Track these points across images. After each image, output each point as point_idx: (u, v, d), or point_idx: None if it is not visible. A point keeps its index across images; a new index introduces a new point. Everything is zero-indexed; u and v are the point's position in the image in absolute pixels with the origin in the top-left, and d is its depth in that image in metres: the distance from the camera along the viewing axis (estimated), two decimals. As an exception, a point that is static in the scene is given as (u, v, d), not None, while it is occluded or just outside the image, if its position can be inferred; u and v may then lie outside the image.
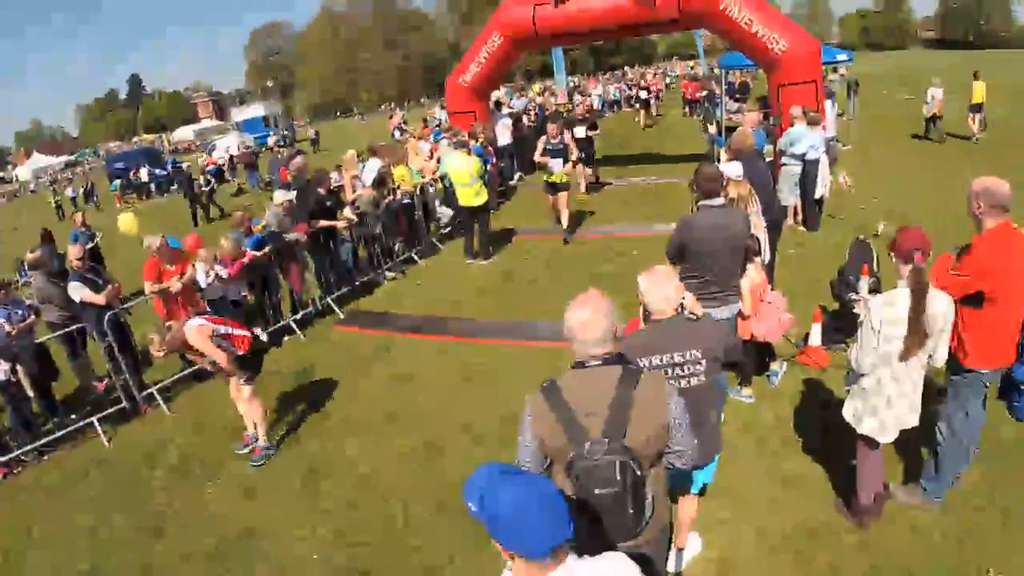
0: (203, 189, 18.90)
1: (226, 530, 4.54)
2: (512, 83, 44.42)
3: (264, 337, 5.97)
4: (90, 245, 9.38)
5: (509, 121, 14.57)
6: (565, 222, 9.91)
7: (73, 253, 6.59)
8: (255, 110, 52.81)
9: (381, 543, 4.19)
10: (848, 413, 3.54)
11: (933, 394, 3.88)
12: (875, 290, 5.32)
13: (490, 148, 12.31)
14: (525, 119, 16.65)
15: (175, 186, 26.03)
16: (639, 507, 2.11)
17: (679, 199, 9.69)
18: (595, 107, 27.57)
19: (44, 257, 7.37)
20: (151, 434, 6.14)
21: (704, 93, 22.52)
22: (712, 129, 13.94)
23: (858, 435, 3.53)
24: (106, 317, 6.27)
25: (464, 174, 9.14)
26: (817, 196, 8.95)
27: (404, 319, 7.90)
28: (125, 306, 6.92)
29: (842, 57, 15.09)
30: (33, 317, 6.44)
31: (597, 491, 2.04)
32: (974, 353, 3.40)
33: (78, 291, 6.37)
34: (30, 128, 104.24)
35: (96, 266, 7.23)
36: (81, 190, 29.10)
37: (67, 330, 6.55)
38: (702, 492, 3.48)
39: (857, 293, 5.49)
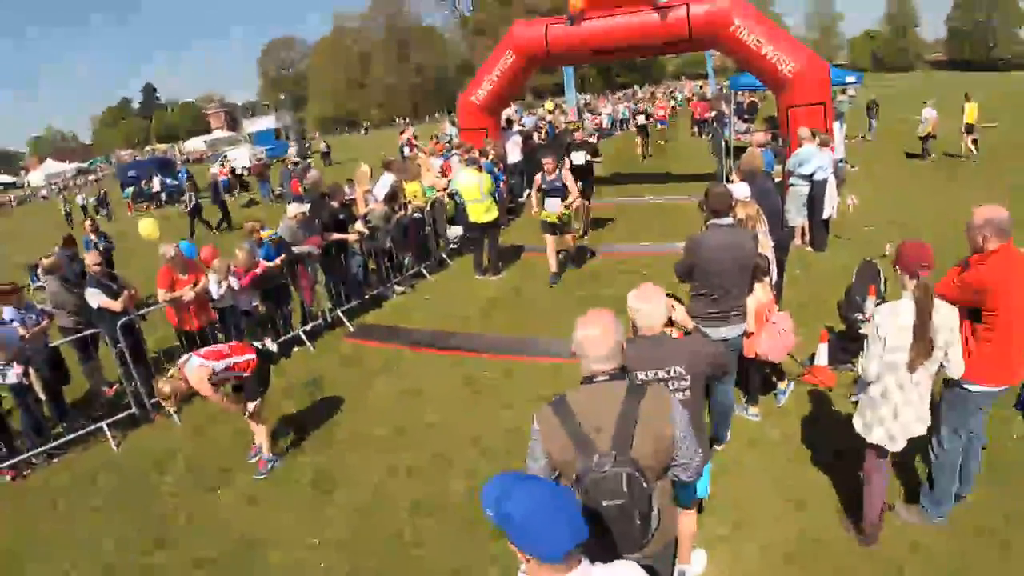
0: (195, 202, 18.22)
1: (233, 538, 4.58)
2: (522, 100, 44.74)
3: (273, 347, 6.04)
4: (103, 250, 9.48)
5: (520, 138, 14.67)
6: (553, 265, 9.04)
7: (91, 259, 6.69)
8: (267, 122, 53.37)
9: (388, 554, 4.22)
10: (858, 424, 3.58)
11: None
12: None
13: (500, 165, 12.41)
14: (535, 136, 16.78)
15: (185, 197, 26.30)
16: (645, 519, 2.15)
17: (688, 218, 9.74)
18: (604, 125, 27.87)
19: (58, 262, 7.48)
20: (160, 440, 6.19)
21: (713, 113, 22.71)
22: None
23: (868, 445, 3.56)
24: (119, 323, 6.36)
25: (475, 190, 9.23)
26: (825, 217, 9.00)
27: (413, 333, 7.95)
28: (140, 312, 7.01)
29: (851, 79, 15.19)
30: (47, 321, 6.52)
31: (604, 503, 2.08)
32: (972, 368, 3.43)
33: (96, 297, 6.47)
34: (43, 134, 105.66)
35: (112, 272, 7.33)
36: (92, 198, 29.39)
37: (80, 335, 6.63)
38: (700, 508, 3.50)
39: (864, 313, 5.52)
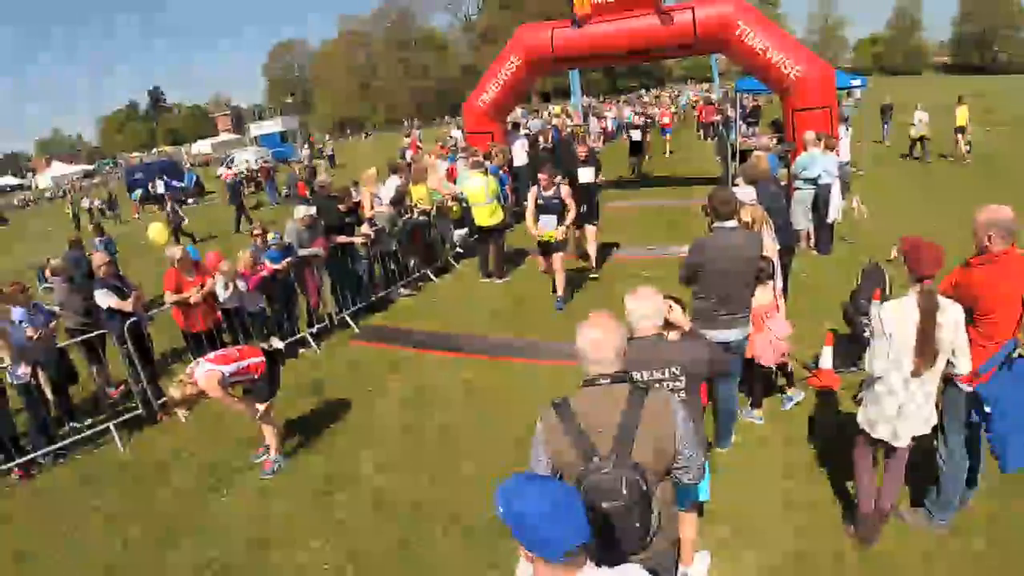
0: (181, 208, 17.92)
1: (239, 538, 4.60)
2: (528, 104, 44.75)
3: (280, 345, 6.08)
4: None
5: (525, 142, 14.68)
6: (560, 289, 8.16)
7: (98, 261, 6.74)
8: (273, 125, 53.61)
9: (392, 556, 4.23)
10: (861, 419, 3.58)
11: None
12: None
13: (506, 168, 12.42)
14: (541, 139, 16.77)
15: (191, 200, 26.54)
16: (645, 521, 2.16)
17: (693, 222, 9.74)
18: (610, 129, 27.85)
19: (65, 263, 7.53)
20: (166, 441, 6.22)
21: (718, 117, 22.71)
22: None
23: (859, 431, 3.59)
24: (127, 324, 6.39)
25: (480, 194, 9.25)
26: (830, 220, 9.00)
27: (418, 335, 7.98)
28: (148, 314, 7.05)
29: (856, 83, 15.18)
30: (54, 322, 6.57)
31: (604, 504, 2.10)
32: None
33: (105, 298, 6.52)
34: (51, 136, 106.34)
35: (120, 274, 7.38)
36: (98, 201, 29.58)
37: (88, 336, 6.68)
38: (700, 511, 3.50)
39: (869, 317, 5.50)
